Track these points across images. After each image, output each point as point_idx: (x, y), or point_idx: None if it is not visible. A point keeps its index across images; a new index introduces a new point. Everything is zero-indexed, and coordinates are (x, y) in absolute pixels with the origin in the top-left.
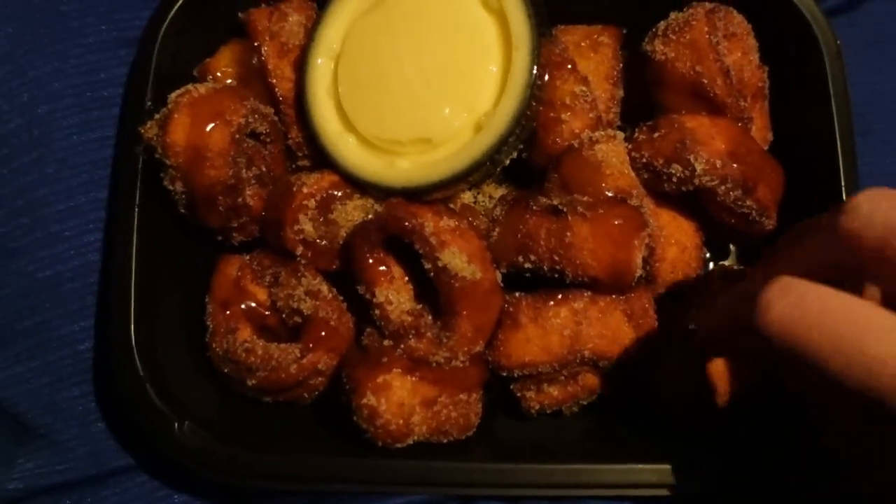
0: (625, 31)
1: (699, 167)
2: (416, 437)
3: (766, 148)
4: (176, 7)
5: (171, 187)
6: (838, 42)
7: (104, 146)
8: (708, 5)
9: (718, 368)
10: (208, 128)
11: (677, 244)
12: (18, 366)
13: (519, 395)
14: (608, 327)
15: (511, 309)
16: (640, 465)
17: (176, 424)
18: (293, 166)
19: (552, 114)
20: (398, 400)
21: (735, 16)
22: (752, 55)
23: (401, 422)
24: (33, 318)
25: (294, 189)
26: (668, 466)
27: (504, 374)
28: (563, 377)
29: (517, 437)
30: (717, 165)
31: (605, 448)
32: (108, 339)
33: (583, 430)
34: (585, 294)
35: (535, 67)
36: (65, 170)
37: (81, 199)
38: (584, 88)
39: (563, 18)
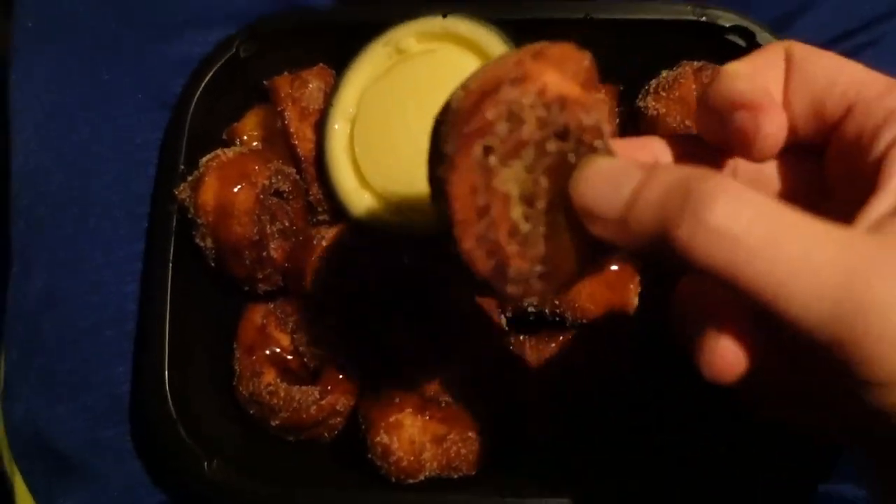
0: (621, 89)
1: None
2: (427, 473)
3: None
4: (207, 77)
5: (201, 243)
6: None
7: (140, 203)
8: (696, 64)
9: None
10: (235, 189)
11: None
12: (60, 406)
13: (526, 431)
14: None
15: (514, 349)
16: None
17: (205, 463)
18: (314, 220)
19: None
20: (409, 438)
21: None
22: None
23: (412, 458)
24: (74, 362)
25: (314, 242)
26: None
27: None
28: None
29: (525, 473)
30: None
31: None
32: (143, 382)
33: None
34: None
35: None
36: (103, 224)
37: (119, 252)
38: None
39: None
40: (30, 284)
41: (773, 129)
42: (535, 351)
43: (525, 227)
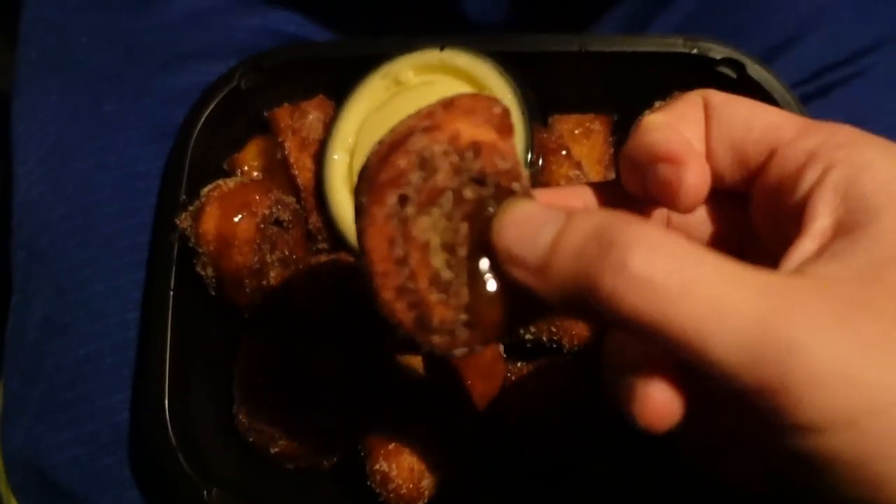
0: (615, 119)
1: None
2: (427, 500)
3: None
4: (209, 108)
5: (202, 272)
6: None
7: (142, 232)
8: None
9: None
10: (236, 219)
11: None
12: (59, 435)
13: (524, 458)
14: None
15: (513, 377)
16: None
17: (205, 491)
18: (313, 248)
19: None
20: (408, 465)
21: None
22: None
23: (411, 486)
24: (75, 391)
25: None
26: None
27: (509, 429)
28: None
29: (524, 500)
30: None
31: None
32: (143, 410)
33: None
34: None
35: (530, 159)
36: (106, 253)
37: (121, 280)
38: (577, 172)
39: (558, 108)
40: (31, 314)
41: (695, 180)
42: (534, 373)
43: (447, 274)
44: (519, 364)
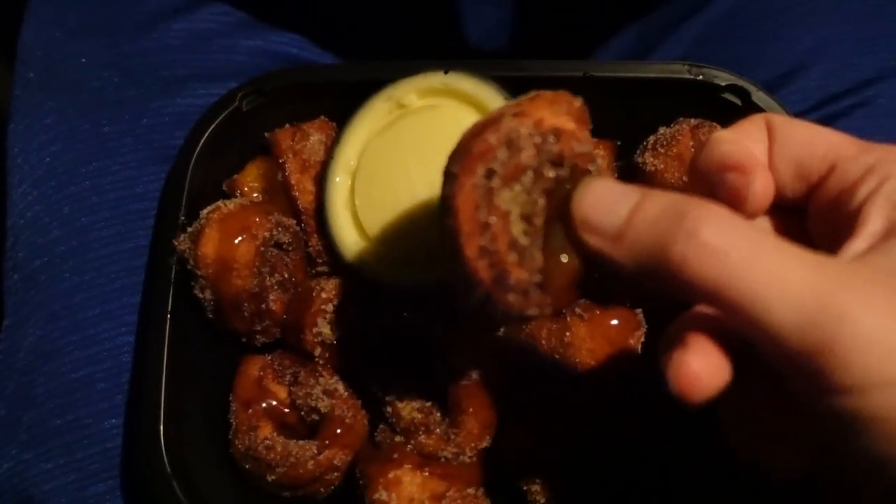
0: (619, 144)
1: None
2: None
3: None
4: (210, 129)
5: (200, 295)
6: None
7: (138, 255)
8: (693, 121)
9: None
10: (236, 241)
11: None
12: (49, 462)
13: (525, 489)
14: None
15: (515, 404)
16: None
17: None
18: (313, 271)
19: None
20: (408, 495)
21: (718, 130)
22: None
23: None
24: (65, 417)
25: (313, 294)
26: None
27: (509, 467)
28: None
29: None
30: None
31: None
32: (136, 437)
33: None
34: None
35: None
36: (100, 277)
37: (115, 303)
38: None
39: None
40: (22, 339)
41: (761, 188)
42: (534, 403)
43: (524, 241)
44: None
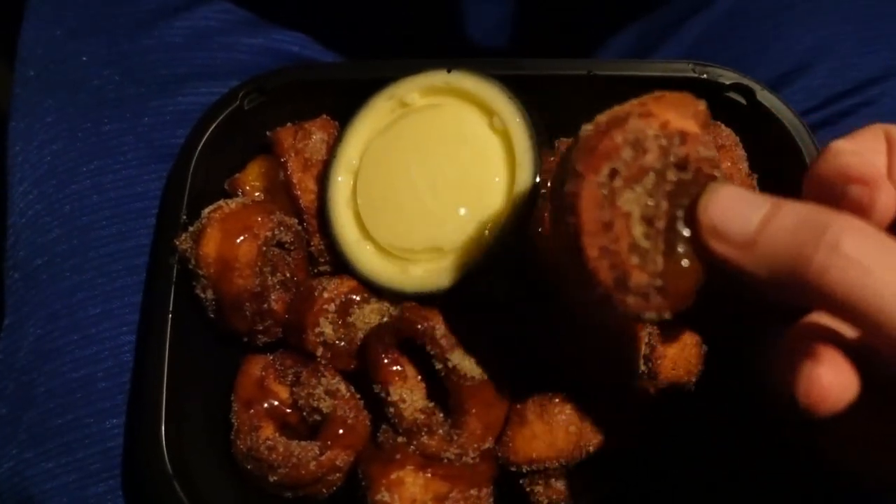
0: None
1: None
2: None
3: None
4: (211, 128)
5: (201, 295)
6: (819, 152)
7: (139, 254)
8: None
9: None
10: (238, 241)
11: (678, 341)
12: (49, 462)
13: (528, 489)
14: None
15: (518, 406)
16: None
17: None
18: (315, 271)
19: None
20: (410, 496)
21: (723, 129)
22: (741, 164)
23: None
24: (65, 417)
25: (315, 294)
26: None
27: (513, 470)
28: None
29: None
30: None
31: None
32: (138, 437)
33: None
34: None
35: (538, 183)
36: (101, 276)
37: (116, 303)
38: None
39: (565, 132)
40: (23, 338)
41: (887, 201)
42: (538, 406)
43: (645, 243)
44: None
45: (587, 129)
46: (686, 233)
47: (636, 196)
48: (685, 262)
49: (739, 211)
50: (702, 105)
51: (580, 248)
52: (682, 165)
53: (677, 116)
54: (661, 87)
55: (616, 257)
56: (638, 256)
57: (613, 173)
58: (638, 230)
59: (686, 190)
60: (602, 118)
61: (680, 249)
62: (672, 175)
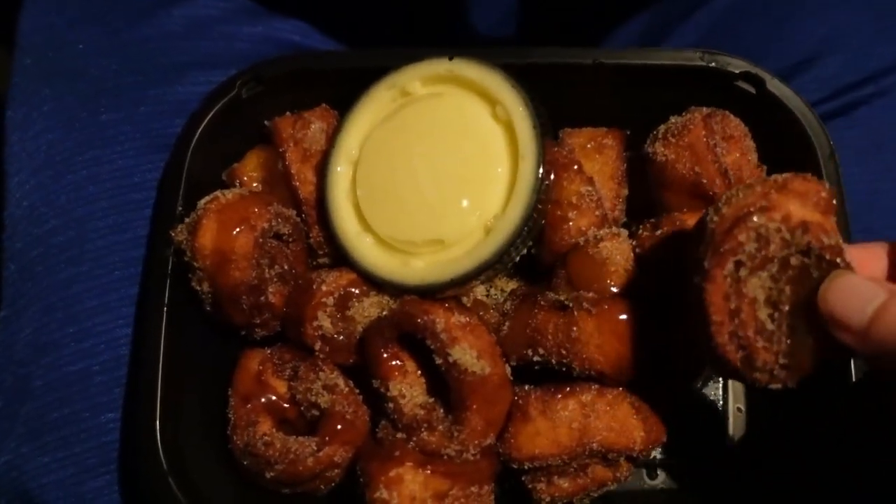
0: (628, 133)
1: None
2: None
3: None
4: (208, 117)
5: (198, 287)
6: (831, 143)
7: (136, 246)
8: (705, 110)
9: None
10: (234, 232)
11: None
12: (46, 456)
13: (530, 487)
14: (616, 420)
15: (521, 402)
16: None
17: None
18: (314, 263)
19: (559, 212)
20: (410, 494)
21: (731, 119)
22: (751, 155)
23: None
24: (62, 411)
25: (314, 287)
26: None
27: (515, 467)
28: (572, 469)
29: None
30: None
31: None
32: (134, 432)
33: None
34: (593, 387)
35: (541, 175)
36: (98, 268)
37: (113, 295)
38: (589, 188)
39: (570, 122)
40: (19, 330)
41: None
42: (541, 402)
43: (770, 325)
44: (527, 387)
45: (713, 219)
46: (809, 315)
47: (761, 282)
48: (809, 341)
49: (856, 302)
50: (825, 192)
51: (710, 334)
52: (805, 252)
53: (799, 206)
54: (669, 76)
55: (744, 340)
56: (764, 339)
57: (739, 265)
58: (763, 313)
59: (809, 274)
60: (726, 210)
61: (803, 330)
62: (795, 261)
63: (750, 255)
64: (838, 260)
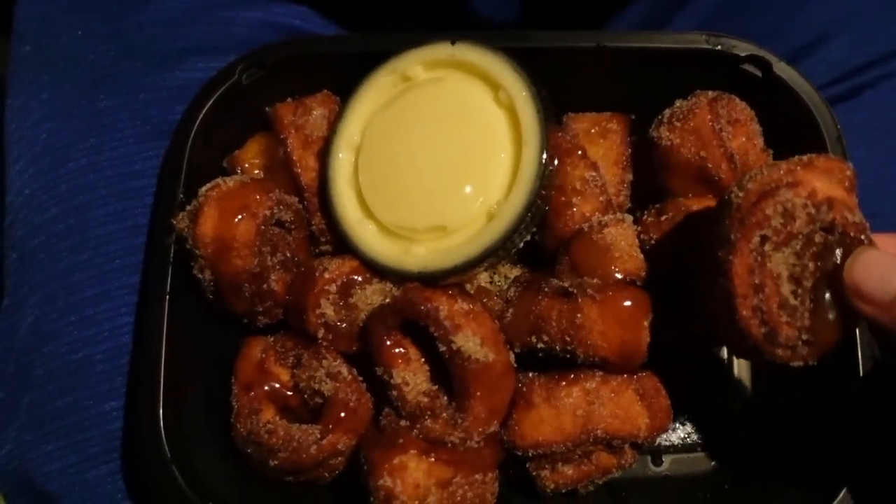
0: (633, 118)
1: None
2: None
3: None
4: (209, 104)
5: (199, 275)
6: (839, 127)
7: (137, 234)
8: (711, 94)
9: None
10: (236, 220)
11: None
12: (49, 445)
13: (534, 474)
14: (620, 406)
15: (524, 389)
16: None
17: None
18: (316, 251)
19: (563, 198)
20: (413, 481)
21: (737, 103)
22: (757, 140)
23: (416, 503)
24: (64, 399)
25: (316, 275)
26: None
27: (519, 454)
28: (577, 456)
29: None
30: None
31: None
32: (136, 420)
33: None
34: (597, 374)
35: (545, 160)
36: (99, 256)
37: (114, 283)
38: (593, 174)
39: (574, 106)
40: (21, 319)
41: None
42: (545, 389)
43: (793, 301)
44: (530, 374)
45: (737, 195)
46: (832, 290)
47: (785, 257)
48: (831, 317)
49: (883, 275)
50: (849, 170)
51: (733, 307)
52: (828, 229)
53: (825, 182)
54: (674, 59)
55: (767, 315)
56: (787, 313)
57: (764, 239)
58: (786, 288)
59: (833, 250)
60: (752, 185)
61: (826, 305)
62: (819, 238)
63: (776, 230)
64: (863, 237)
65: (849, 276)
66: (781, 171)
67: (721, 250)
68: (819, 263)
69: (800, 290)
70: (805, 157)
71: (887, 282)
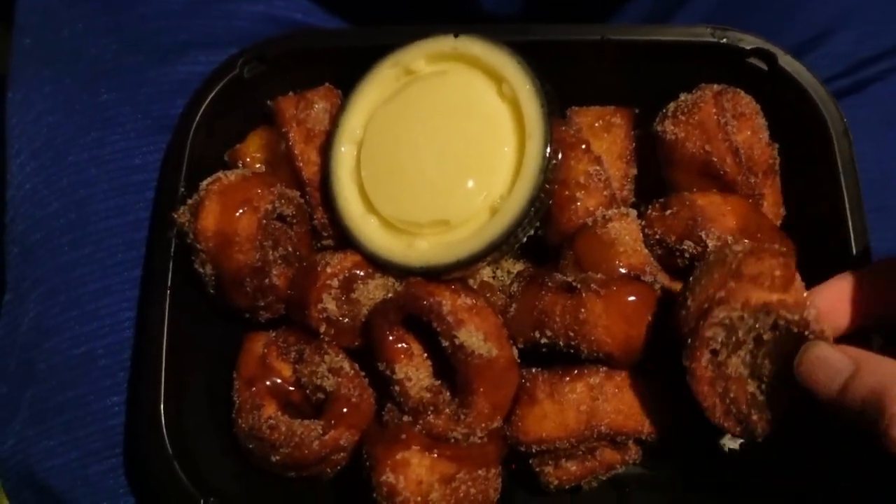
0: (637, 111)
1: (711, 243)
2: None
3: (779, 223)
4: (210, 97)
5: (201, 270)
6: (845, 121)
7: (138, 228)
8: (716, 87)
9: None
10: (237, 214)
11: None
12: (50, 440)
13: (538, 470)
14: (624, 403)
15: (528, 384)
16: None
17: (201, 501)
18: (318, 245)
19: (566, 192)
20: (416, 477)
21: (743, 97)
22: (762, 133)
23: (419, 499)
24: (66, 394)
25: (318, 269)
26: None
27: (522, 450)
28: (580, 452)
29: None
30: (729, 241)
31: None
32: (138, 415)
33: None
34: (601, 369)
35: (548, 154)
36: (100, 251)
37: (116, 278)
38: (597, 168)
39: (578, 100)
40: (23, 314)
41: None
42: (548, 385)
43: (760, 396)
44: (534, 370)
45: (681, 314)
46: (787, 378)
47: (741, 359)
48: (788, 394)
49: (826, 374)
50: (778, 269)
51: (707, 415)
52: (773, 327)
53: (756, 291)
54: (679, 52)
55: (739, 414)
56: (756, 410)
57: (715, 352)
58: (752, 386)
59: (785, 342)
60: (692, 303)
61: (785, 388)
62: (768, 336)
63: (723, 342)
64: (806, 332)
65: (798, 373)
66: (714, 285)
67: (684, 376)
68: (777, 352)
69: (764, 381)
70: (734, 263)
71: (832, 380)
